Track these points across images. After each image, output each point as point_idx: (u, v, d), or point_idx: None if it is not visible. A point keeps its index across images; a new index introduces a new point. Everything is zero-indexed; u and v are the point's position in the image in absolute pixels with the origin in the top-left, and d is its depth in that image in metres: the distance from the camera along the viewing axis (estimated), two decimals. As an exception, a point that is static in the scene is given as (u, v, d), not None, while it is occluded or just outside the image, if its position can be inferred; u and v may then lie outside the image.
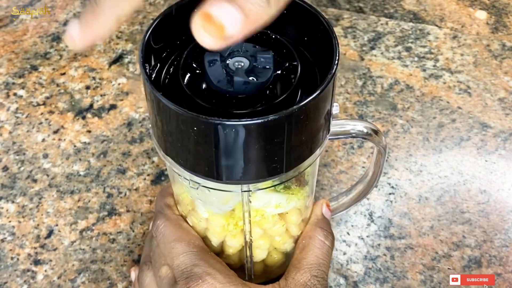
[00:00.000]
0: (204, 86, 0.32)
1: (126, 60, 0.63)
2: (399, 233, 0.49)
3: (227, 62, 0.31)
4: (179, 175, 0.34)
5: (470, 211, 0.50)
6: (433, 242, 0.48)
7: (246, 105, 0.30)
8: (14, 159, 0.54)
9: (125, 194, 0.52)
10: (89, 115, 0.58)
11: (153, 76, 0.33)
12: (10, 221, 0.50)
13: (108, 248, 0.48)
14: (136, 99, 0.59)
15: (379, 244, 0.48)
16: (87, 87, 0.61)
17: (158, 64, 0.33)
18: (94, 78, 0.62)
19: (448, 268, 0.47)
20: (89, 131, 0.57)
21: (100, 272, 0.47)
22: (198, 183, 0.33)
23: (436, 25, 0.67)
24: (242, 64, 0.31)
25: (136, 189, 0.52)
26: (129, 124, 0.57)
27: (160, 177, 0.53)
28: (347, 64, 0.62)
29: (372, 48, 0.64)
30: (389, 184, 0.52)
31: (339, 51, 0.31)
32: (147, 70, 0.31)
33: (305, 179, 0.37)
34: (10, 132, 0.57)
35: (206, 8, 0.22)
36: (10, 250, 0.48)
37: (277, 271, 0.43)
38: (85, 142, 0.56)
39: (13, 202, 0.51)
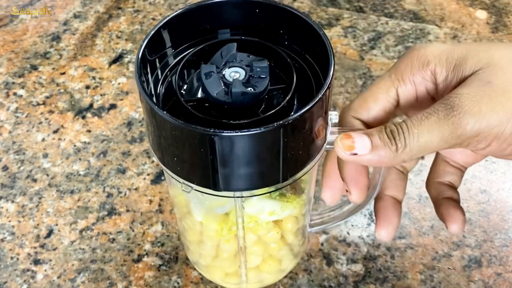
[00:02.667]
0: (201, 97, 0.32)
1: (126, 60, 0.63)
2: (399, 233, 0.48)
3: (223, 73, 0.31)
4: (172, 177, 0.34)
5: (470, 210, 0.50)
6: (433, 241, 0.48)
7: (243, 115, 0.30)
8: (14, 158, 0.54)
9: (125, 194, 0.52)
10: (89, 115, 0.58)
11: (150, 87, 0.33)
12: (10, 221, 0.50)
13: (108, 248, 0.48)
14: (136, 99, 0.59)
15: (379, 244, 0.48)
16: (87, 87, 0.61)
17: (154, 75, 0.33)
18: (94, 77, 0.62)
19: (448, 268, 0.47)
20: (89, 131, 0.56)
21: (100, 271, 0.47)
22: (191, 187, 0.33)
23: (436, 25, 0.67)
24: (238, 74, 0.31)
25: (136, 189, 0.52)
26: (129, 124, 0.57)
27: (160, 176, 0.53)
28: (347, 63, 0.62)
29: (372, 48, 0.64)
30: (389, 183, 0.52)
31: (334, 63, 0.31)
32: (144, 82, 0.31)
33: (301, 187, 0.37)
34: (10, 132, 0.57)
35: (351, 132, 0.32)
36: (10, 249, 0.48)
37: (272, 278, 0.43)
38: (85, 142, 0.56)
39: (13, 201, 0.51)
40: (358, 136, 0.31)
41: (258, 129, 0.28)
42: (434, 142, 0.30)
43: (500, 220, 0.49)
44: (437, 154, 0.39)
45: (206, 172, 0.30)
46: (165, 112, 0.28)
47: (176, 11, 0.33)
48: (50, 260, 0.47)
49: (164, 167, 0.33)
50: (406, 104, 0.34)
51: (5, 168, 0.54)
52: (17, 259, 0.48)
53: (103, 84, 0.61)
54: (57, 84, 0.61)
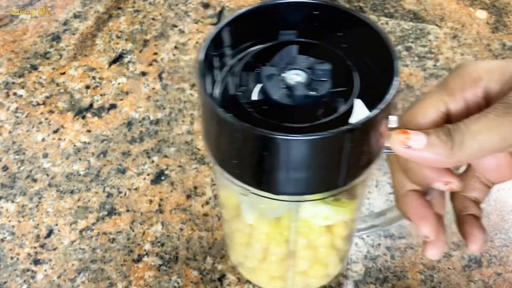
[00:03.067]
0: (259, 99, 0.31)
1: (126, 60, 0.63)
2: (399, 233, 0.48)
3: (284, 75, 0.31)
4: (227, 179, 0.33)
5: (470, 210, 0.50)
6: (433, 241, 0.48)
7: (302, 118, 0.30)
8: (14, 158, 0.54)
9: (125, 194, 0.52)
10: (89, 115, 0.58)
11: (210, 88, 0.32)
12: (10, 221, 0.50)
13: (108, 248, 0.48)
14: (136, 99, 0.59)
15: (379, 244, 0.48)
16: (87, 87, 0.61)
17: (212, 76, 0.33)
18: (94, 77, 0.62)
19: (448, 268, 0.47)
20: (89, 131, 0.56)
21: (100, 271, 0.47)
22: (248, 189, 0.32)
23: (436, 25, 0.67)
24: (300, 77, 0.31)
25: (136, 189, 0.52)
26: (129, 124, 0.57)
27: (160, 176, 0.53)
28: (347, 63, 0.62)
29: (372, 48, 0.64)
30: (389, 183, 0.52)
31: (399, 69, 0.30)
32: (205, 83, 0.31)
33: (355, 192, 0.37)
34: (10, 132, 0.57)
35: (408, 130, 0.31)
36: (10, 249, 0.48)
37: (318, 283, 0.43)
38: (85, 142, 0.56)
39: (13, 201, 0.51)
40: (414, 132, 0.31)
41: (325, 133, 0.27)
42: (493, 141, 0.29)
43: (500, 220, 0.49)
44: (469, 168, 0.38)
45: (266, 175, 0.30)
46: (229, 115, 0.28)
47: (237, 11, 0.33)
48: (50, 260, 0.47)
49: (222, 170, 0.32)
50: (457, 121, 0.34)
51: (5, 168, 0.54)
52: (17, 259, 0.48)
53: (103, 84, 0.61)
54: (57, 84, 0.61)
